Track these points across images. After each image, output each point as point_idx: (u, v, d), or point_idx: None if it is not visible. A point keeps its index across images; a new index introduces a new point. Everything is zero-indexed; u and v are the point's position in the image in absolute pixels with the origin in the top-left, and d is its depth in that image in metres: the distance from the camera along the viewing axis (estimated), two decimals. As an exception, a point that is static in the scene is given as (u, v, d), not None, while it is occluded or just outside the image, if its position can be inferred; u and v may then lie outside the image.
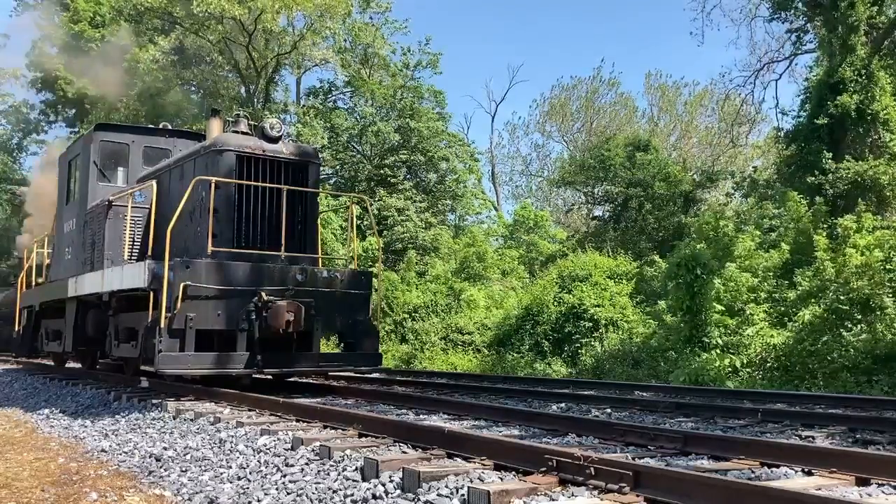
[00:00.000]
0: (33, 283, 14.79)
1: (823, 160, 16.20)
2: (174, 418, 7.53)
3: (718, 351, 12.80)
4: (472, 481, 4.14)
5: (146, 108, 27.52)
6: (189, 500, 4.82)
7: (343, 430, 6.11)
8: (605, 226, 26.59)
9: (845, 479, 4.21)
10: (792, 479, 4.26)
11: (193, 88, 28.90)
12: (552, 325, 16.79)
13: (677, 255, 14.12)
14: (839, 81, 16.57)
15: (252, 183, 9.48)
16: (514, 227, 29.11)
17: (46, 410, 9.41)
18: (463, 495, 3.90)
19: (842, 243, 13.46)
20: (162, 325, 8.28)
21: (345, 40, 29.29)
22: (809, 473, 4.41)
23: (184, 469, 5.56)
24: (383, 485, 4.30)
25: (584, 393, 9.44)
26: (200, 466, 5.56)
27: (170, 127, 13.31)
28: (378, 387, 10.85)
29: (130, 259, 10.63)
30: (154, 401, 8.57)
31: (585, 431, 5.97)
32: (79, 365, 15.22)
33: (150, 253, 9.54)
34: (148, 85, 26.58)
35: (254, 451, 5.65)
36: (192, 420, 7.27)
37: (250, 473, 5.17)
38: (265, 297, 8.72)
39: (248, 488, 4.88)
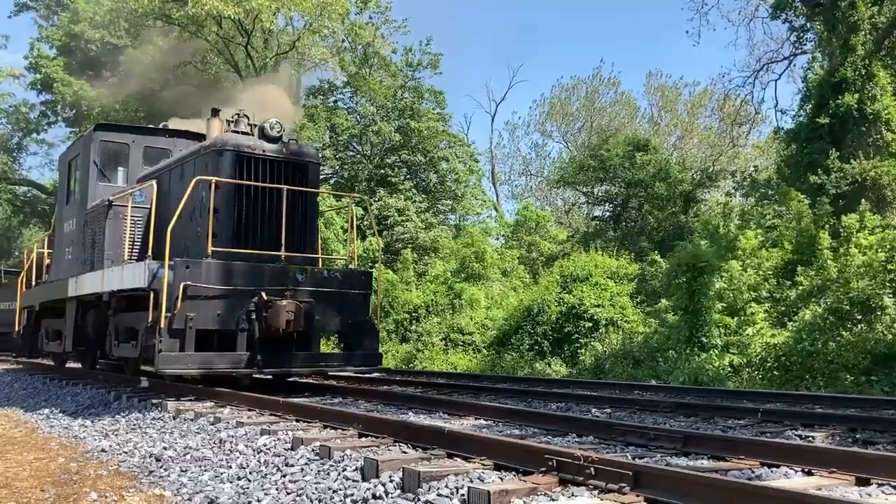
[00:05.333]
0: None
1: (831, 159, 16.18)
2: (174, 418, 7.53)
3: (718, 350, 12.80)
4: (472, 481, 4.14)
5: (144, 107, 27.49)
6: (189, 499, 4.82)
7: (343, 430, 6.10)
8: (605, 226, 26.57)
9: (845, 479, 4.21)
10: (792, 479, 4.26)
11: (193, 88, 28.85)
12: (552, 325, 16.79)
13: (678, 256, 14.12)
14: (840, 81, 16.56)
15: (252, 183, 9.48)
16: (516, 227, 29.08)
17: (46, 410, 9.41)
18: (463, 495, 3.89)
19: (844, 242, 13.45)
20: (162, 325, 8.28)
21: (343, 40, 29.22)
22: (809, 473, 4.40)
23: (184, 469, 5.56)
24: (383, 485, 4.30)
25: (584, 393, 9.43)
26: (200, 466, 5.57)
27: (171, 126, 13.29)
28: (378, 387, 10.84)
29: (130, 259, 10.62)
30: (154, 401, 8.57)
31: (585, 431, 5.97)
32: (79, 365, 15.21)
33: (150, 253, 9.53)
34: (146, 85, 26.54)
35: (254, 450, 5.65)
36: (192, 420, 7.27)
37: (250, 473, 5.17)
38: (265, 297, 8.73)
39: (247, 488, 4.88)
